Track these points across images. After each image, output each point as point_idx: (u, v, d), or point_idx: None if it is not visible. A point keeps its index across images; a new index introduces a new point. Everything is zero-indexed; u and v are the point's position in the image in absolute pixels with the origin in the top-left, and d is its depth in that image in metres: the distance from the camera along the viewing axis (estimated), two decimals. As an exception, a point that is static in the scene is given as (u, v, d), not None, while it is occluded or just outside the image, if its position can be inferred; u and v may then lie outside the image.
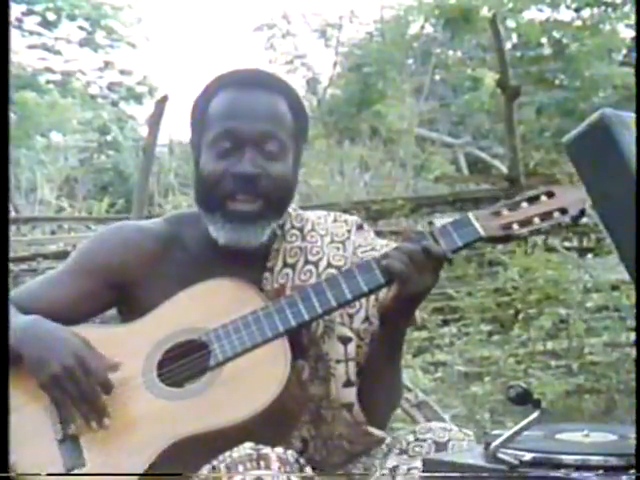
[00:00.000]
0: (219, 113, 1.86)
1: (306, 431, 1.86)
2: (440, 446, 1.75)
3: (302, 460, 1.71)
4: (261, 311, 1.80)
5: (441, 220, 1.81)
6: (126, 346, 1.83)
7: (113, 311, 1.99)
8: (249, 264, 1.87)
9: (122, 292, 1.91)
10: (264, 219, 1.84)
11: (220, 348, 1.78)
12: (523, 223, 1.78)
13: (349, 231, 1.94)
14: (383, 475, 1.77)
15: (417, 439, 1.79)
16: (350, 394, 1.82)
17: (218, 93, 1.88)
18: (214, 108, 1.87)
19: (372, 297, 1.86)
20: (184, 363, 1.79)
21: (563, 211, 1.77)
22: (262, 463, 1.62)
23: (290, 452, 1.68)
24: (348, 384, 1.83)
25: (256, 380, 1.76)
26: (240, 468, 1.62)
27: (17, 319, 1.81)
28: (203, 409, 1.75)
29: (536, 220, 1.78)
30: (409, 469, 1.74)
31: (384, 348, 1.83)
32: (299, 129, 1.91)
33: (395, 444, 1.81)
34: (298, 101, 1.92)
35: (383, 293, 1.81)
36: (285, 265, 1.89)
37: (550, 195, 1.80)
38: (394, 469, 1.76)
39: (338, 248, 1.91)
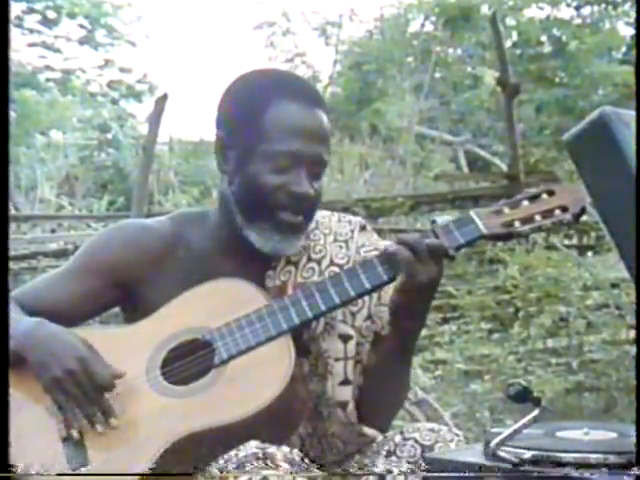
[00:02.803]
0: (283, 128, 1.84)
1: (303, 428, 1.87)
2: (426, 449, 1.75)
3: (307, 459, 1.71)
4: (265, 309, 1.80)
5: (442, 218, 1.81)
6: (130, 346, 1.84)
7: (113, 310, 2.00)
8: (253, 262, 1.88)
9: (125, 291, 1.91)
10: (303, 230, 1.88)
11: (224, 346, 1.79)
12: (524, 221, 1.78)
13: (352, 231, 1.95)
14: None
15: (404, 439, 1.79)
16: (346, 393, 1.83)
17: (276, 101, 1.86)
18: (275, 119, 1.85)
19: (375, 296, 1.87)
20: (188, 361, 1.80)
21: (564, 209, 1.78)
22: (268, 462, 1.63)
23: (295, 451, 1.69)
24: (345, 382, 1.83)
25: (260, 377, 1.77)
26: (247, 467, 1.62)
27: (21, 322, 1.81)
28: (206, 406, 1.75)
29: (537, 218, 1.78)
30: (400, 472, 1.74)
31: (395, 349, 1.83)
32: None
33: (383, 445, 1.81)
34: (329, 116, 1.95)
35: (386, 292, 1.82)
36: (288, 262, 1.90)
37: (551, 193, 1.80)
38: (384, 472, 1.75)
39: (341, 247, 1.92)
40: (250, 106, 1.88)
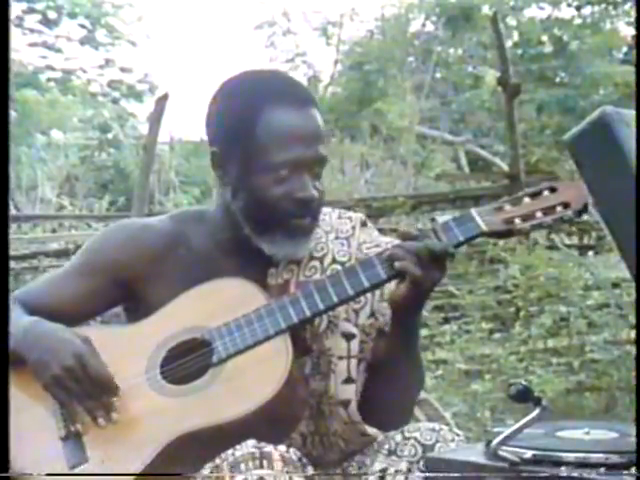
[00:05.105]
0: (278, 137, 1.81)
1: (305, 427, 1.86)
2: (427, 448, 1.74)
3: (304, 459, 1.71)
4: (264, 309, 1.80)
5: (443, 217, 1.81)
6: (130, 346, 1.85)
7: (114, 309, 2.00)
8: (255, 261, 1.87)
9: (127, 290, 1.91)
10: (312, 230, 1.87)
11: (222, 345, 1.79)
12: (525, 217, 1.78)
13: (354, 227, 1.94)
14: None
15: (405, 439, 1.78)
16: (349, 391, 1.83)
17: (266, 109, 1.82)
18: (268, 128, 1.82)
19: (377, 293, 1.86)
20: (187, 361, 1.80)
21: (566, 205, 1.77)
22: (265, 462, 1.62)
23: (292, 450, 1.69)
24: (348, 381, 1.83)
25: (257, 376, 1.77)
26: (242, 467, 1.62)
27: (20, 321, 1.82)
28: (204, 405, 1.75)
29: (538, 214, 1.77)
30: (396, 471, 1.73)
31: (401, 343, 1.83)
32: None
33: (384, 444, 1.80)
34: (320, 110, 1.93)
35: (389, 289, 1.82)
36: (290, 261, 1.89)
37: (552, 190, 1.79)
38: (382, 471, 1.75)
39: (343, 244, 1.91)
40: (242, 118, 1.84)
